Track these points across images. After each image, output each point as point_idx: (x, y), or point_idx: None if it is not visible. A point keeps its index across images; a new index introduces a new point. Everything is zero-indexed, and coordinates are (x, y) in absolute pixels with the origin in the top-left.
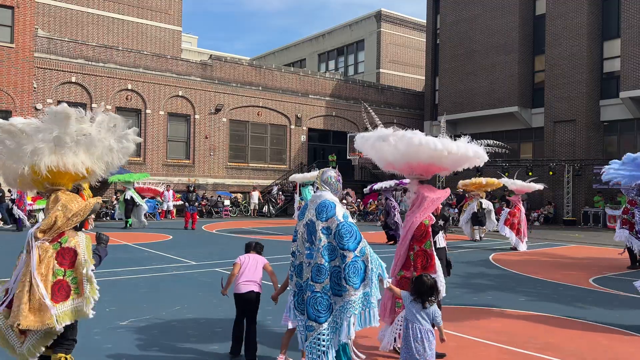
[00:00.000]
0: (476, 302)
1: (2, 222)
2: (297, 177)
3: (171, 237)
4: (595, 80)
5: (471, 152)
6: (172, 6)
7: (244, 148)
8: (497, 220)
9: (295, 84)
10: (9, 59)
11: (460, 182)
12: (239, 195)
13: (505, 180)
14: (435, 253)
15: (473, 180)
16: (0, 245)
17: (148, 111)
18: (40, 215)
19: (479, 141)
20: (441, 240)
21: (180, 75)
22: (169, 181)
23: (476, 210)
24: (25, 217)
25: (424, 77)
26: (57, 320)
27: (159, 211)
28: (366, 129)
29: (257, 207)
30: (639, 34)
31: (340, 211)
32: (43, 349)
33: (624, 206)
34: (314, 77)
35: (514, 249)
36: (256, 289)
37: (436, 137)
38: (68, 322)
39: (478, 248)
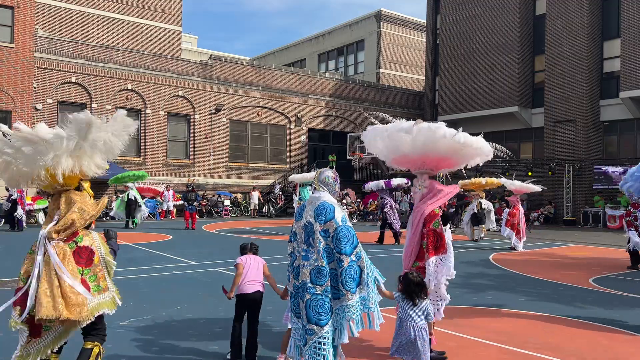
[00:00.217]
0: (476, 302)
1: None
2: (295, 177)
3: (171, 237)
4: (595, 80)
5: (487, 148)
6: (172, 6)
7: (244, 148)
8: (497, 220)
9: (295, 84)
10: (9, 59)
11: (460, 182)
12: (239, 195)
13: (504, 181)
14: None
15: (473, 180)
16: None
17: (148, 111)
18: (41, 215)
19: (490, 143)
20: (448, 233)
21: (180, 75)
22: (169, 181)
23: (476, 211)
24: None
25: (424, 77)
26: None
27: (159, 211)
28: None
29: (257, 207)
30: (639, 34)
31: (339, 214)
32: (49, 352)
33: (627, 209)
34: (314, 77)
35: (512, 248)
36: (261, 288)
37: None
38: (93, 317)
39: (478, 248)
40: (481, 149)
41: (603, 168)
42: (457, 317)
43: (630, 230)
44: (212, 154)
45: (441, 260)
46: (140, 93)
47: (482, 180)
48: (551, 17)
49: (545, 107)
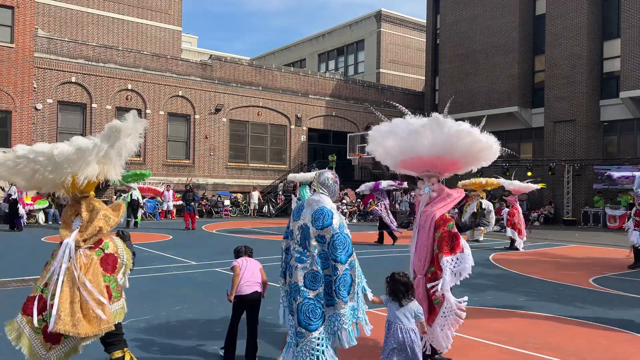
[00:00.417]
0: (476, 302)
1: None
2: (297, 176)
3: (171, 237)
4: (595, 80)
5: (497, 149)
6: (172, 6)
7: (244, 148)
8: (498, 220)
9: (295, 84)
10: (9, 59)
11: (460, 182)
12: (239, 195)
13: (502, 181)
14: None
15: (473, 180)
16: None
17: (148, 111)
18: (40, 216)
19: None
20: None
21: (180, 75)
22: (169, 181)
23: (476, 211)
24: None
25: (424, 77)
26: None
27: (159, 211)
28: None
29: (257, 207)
30: (639, 34)
31: (337, 221)
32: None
33: (635, 208)
34: (314, 77)
35: (512, 248)
36: (259, 289)
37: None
38: (112, 327)
39: (478, 248)
40: (495, 151)
41: (615, 175)
42: None
43: (636, 230)
44: (212, 154)
45: (457, 259)
46: (140, 93)
47: (482, 180)
48: (551, 17)
49: (545, 107)
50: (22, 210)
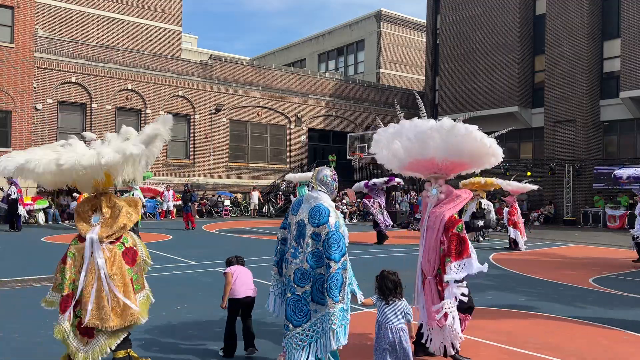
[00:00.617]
0: (476, 302)
1: None
2: (296, 176)
3: (171, 237)
4: (595, 80)
5: (499, 150)
6: (172, 6)
7: (244, 148)
8: (498, 220)
9: (295, 84)
10: (9, 59)
11: (461, 182)
12: (239, 195)
13: (500, 182)
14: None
15: (472, 180)
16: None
17: (148, 111)
18: (40, 215)
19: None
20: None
21: (180, 75)
22: (169, 181)
23: (475, 210)
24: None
25: (424, 77)
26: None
27: (159, 211)
28: (367, 128)
29: (257, 207)
30: (639, 34)
31: (333, 219)
32: (109, 349)
33: None
34: (314, 77)
35: (511, 248)
36: (252, 294)
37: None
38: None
39: (478, 248)
40: (499, 155)
41: (624, 174)
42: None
43: None
44: (212, 154)
45: (464, 265)
46: (140, 93)
47: (482, 180)
48: (551, 17)
49: (545, 107)
50: (21, 210)
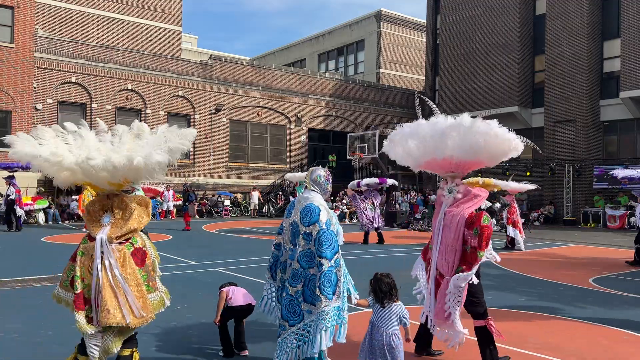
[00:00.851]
0: None
1: None
2: (294, 176)
3: (171, 237)
4: (595, 80)
5: (519, 144)
6: (172, 6)
7: (244, 148)
8: (498, 220)
9: (295, 84)
10: (9, 59)
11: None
12: (239, 195)
13: (499, 182)
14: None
15: (470, 180)
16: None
17: (148, 111)
18: (40, 215)
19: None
20: None
21: (180, 75)
22: (169, 181)
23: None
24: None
25: (424, 77)
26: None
27: (159, 211)
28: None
29: (257, 207)
30: (639, 34)
31: (324, 217)
32: (117, 348)
33: None
34: (314, 77)
35: (510, 247)
36: (254, 303)
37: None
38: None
39: None
40: (520, 149)
41: (620, 175)
42: None
43: None
44: (212, 154)
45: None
46: (140, 93)
47: (480, 180)
48: (551, 17)
49: (545, 107)
50: (19, 211)
